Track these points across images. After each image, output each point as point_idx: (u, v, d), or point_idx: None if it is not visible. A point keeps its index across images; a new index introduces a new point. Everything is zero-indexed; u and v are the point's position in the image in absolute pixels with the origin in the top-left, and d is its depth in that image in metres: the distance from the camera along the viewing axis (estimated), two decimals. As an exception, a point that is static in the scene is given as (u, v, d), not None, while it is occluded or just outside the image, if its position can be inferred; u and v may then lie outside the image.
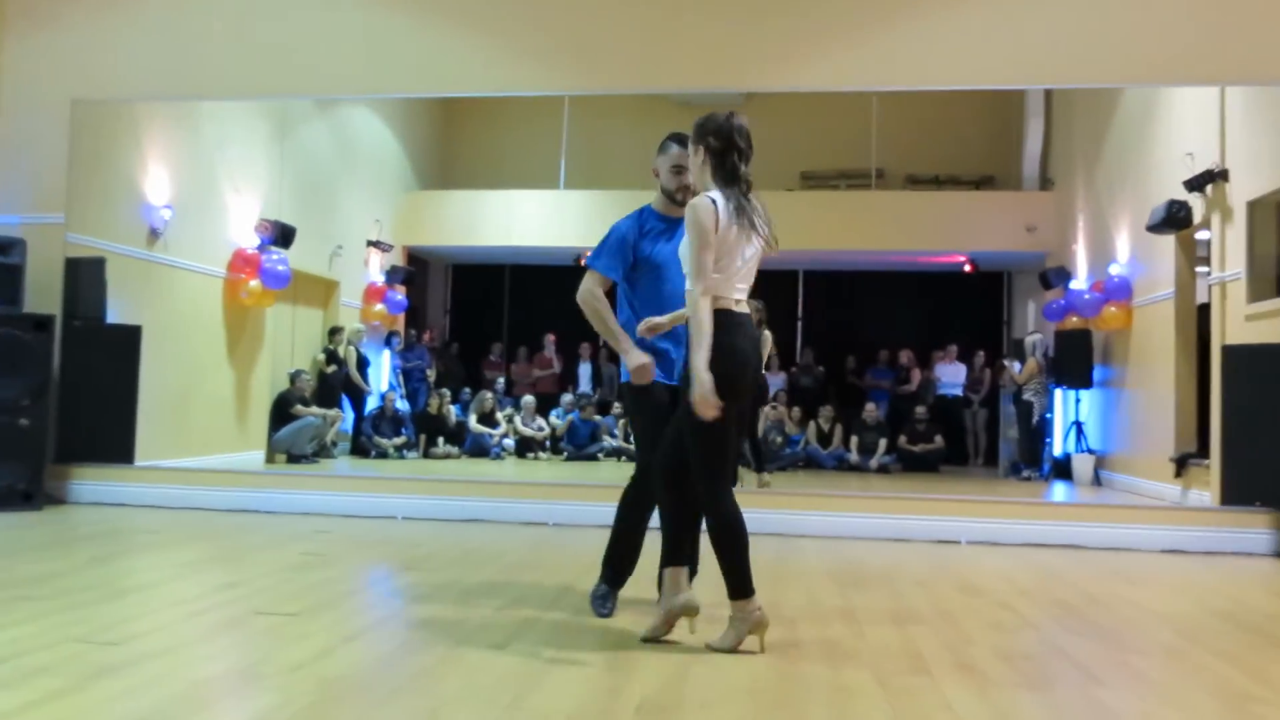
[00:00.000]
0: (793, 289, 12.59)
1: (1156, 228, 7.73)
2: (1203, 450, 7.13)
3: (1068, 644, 3.40)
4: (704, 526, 3.30)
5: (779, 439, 10.52)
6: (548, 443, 10.95)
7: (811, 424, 10.91)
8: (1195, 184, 7.16)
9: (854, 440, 10.73)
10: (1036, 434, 9.90)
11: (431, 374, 11.34)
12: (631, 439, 4.00)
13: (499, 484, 7.14)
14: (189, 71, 6.83)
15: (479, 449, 10.64)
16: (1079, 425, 9.49)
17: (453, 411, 10.93)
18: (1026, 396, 9.87)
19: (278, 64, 6.78)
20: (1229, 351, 6.27)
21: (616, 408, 11.37)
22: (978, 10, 6.17)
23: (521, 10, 6.63)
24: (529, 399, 11.10)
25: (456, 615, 3.57)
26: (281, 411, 9.10)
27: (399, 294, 11.02)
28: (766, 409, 10.19)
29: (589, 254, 3.66)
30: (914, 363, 11.79)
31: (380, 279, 10.85)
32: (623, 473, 9.54)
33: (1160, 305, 8.15)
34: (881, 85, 7.50)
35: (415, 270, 11.65)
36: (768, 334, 6.75)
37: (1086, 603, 4.14)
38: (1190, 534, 5.70)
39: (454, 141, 12.37)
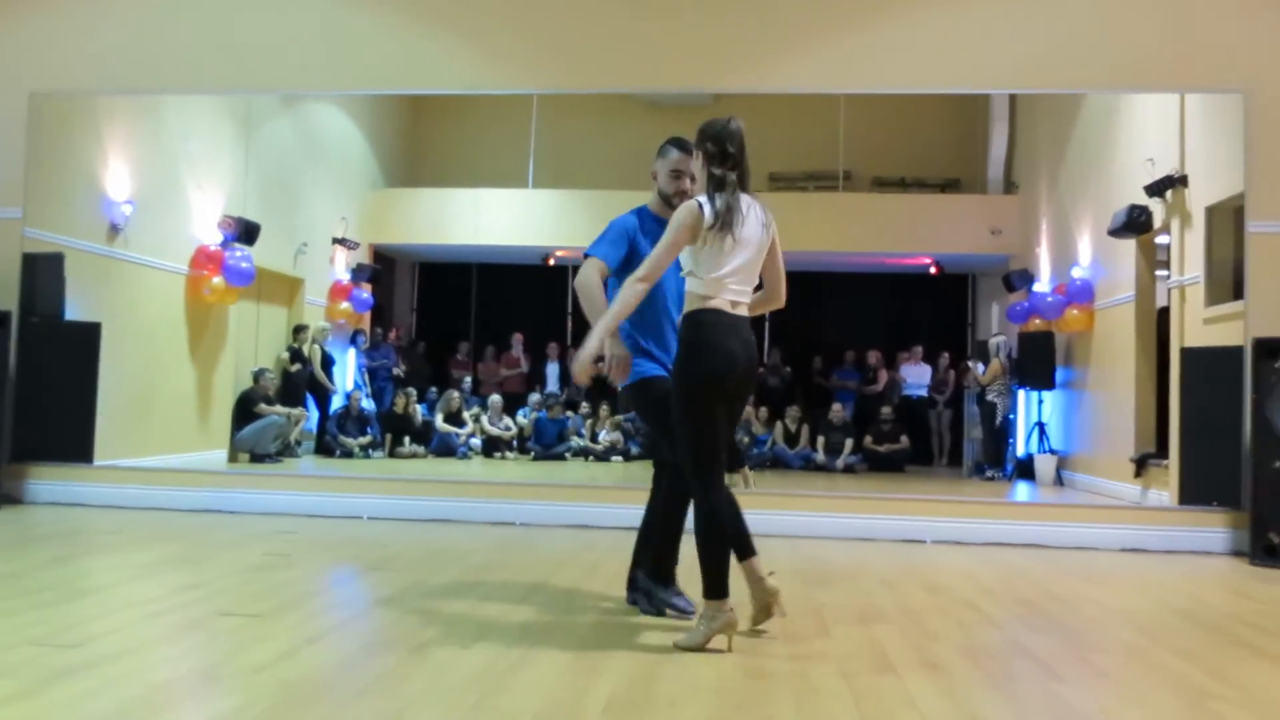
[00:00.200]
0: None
1: (1117, 232, 7.84)
2: (1162, 451, 7.24)
3: (1030, 642, 3.44)
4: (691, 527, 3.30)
5: (745, 439, 10.55)
6: (515, 442, 10.91)
7: (778, 424, 10.96)
8: (1155, 189, 7.28)
9: (820, 440, 10.79)
10: (1000, 434, 10.01)
11: (398, 372, 11.27)
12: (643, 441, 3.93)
13: (465, 484, 7.10)
14: (150, 65, 6.73)
15: (445, 448, 10.58)
16: (1041, 426, 9.61)
17: (419, 411, 10.86)
18: (990, 397, 9.98)
19: (242, 58, 6.70)
20: (1188, 354, 6.37)
21: (584, 407, 11.36)
22: (943, 15, 6.23)
23: (490, 8, 6.60)
24: (496, 398, 11.05)
25: (422, 616, 3.55)
26: (245, 410, 8.99)
27: (365, 292, 10.94)
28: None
29: (590, 244, 3.64)
30: (882, 363, 11.88)
31: (346, 277, 10.76)
32: (590, 472, 9.60)
33: (1121, 308, 8.27)
34: (848, 88, 7.56)
35: (381, 268, 11.57)
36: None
37: (1048, 601, 4.19)
38: (1150, 533, 5.79)
39: (422, 139, 12.30)
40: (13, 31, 6.78)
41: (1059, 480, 9.18)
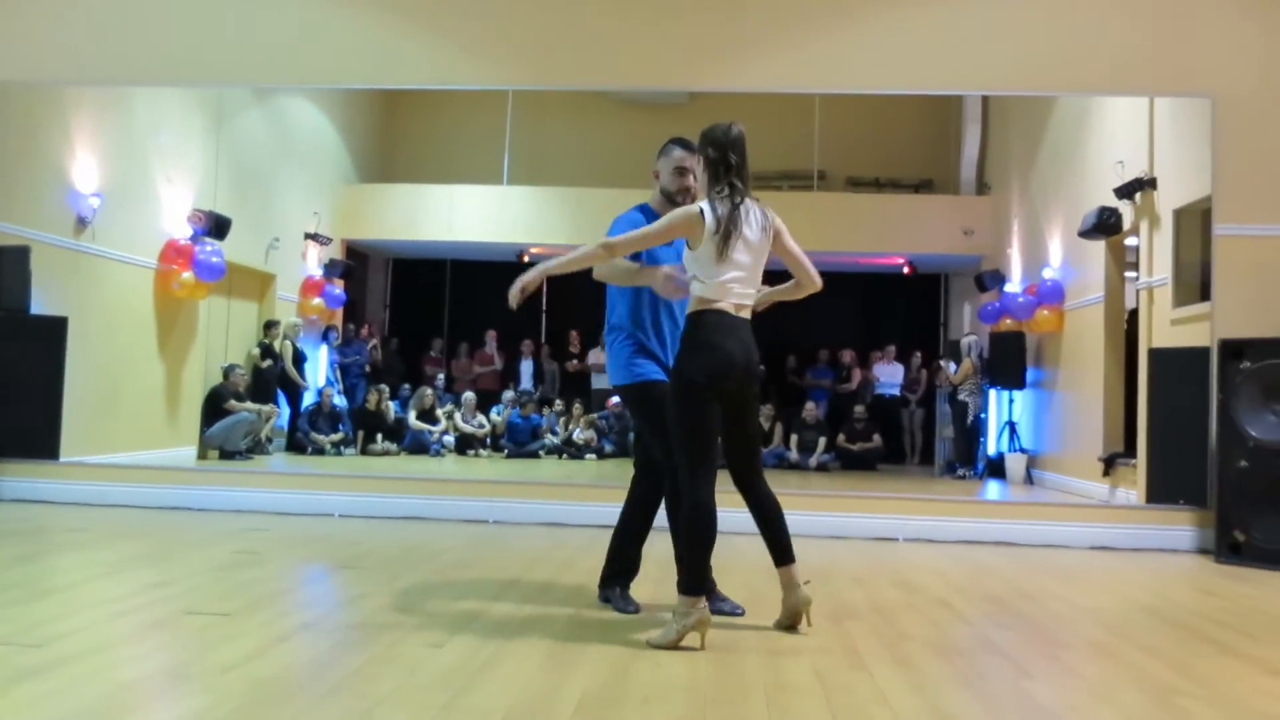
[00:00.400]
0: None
1: (1088, 233, 7.93)
2: (1130, 450, 7.33)
3: (1000, 639, 3.47)
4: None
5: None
6: (488, 440, 10.87)
7: (752, 422, 10.97)
8: (1125, 191, 7.36)
9: (794, 439, 10.83)
10: (971, 433, 10.10)
11: (372, 359, 11.20)
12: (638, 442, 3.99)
13: (438, 481, 7.07)
14: (120, 56, 6.63)
15: (418, 446, 10.53)
16: (1012, 425, 9.70)
17: (391, 408, 10.80)
18: (962, 397, 10.06)
19: (213, 51, 6.61)
20: (1155, 354, 6.45)
21: (558, 404, 11.34)
22: (917, 16, 6.26)
23: (464, 4, 6.56)
24: (469, 395, 11.00)
25: (393, 614, 3.53)
26: (214, 406, 8.90)
27: (337, 288, 10.85)
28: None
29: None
30: (856, 362, 11.95)
31: (318, 272, 10.67)
32: (563, 470, 9.57)
33: (1091, 309, 8.36)
34: (823, 87, 7.58)
35: (354, 264, 11.49)
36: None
37: (1018, 598, 4.23)
38: (1118, 531, 5.86)
39: (395, 134, 12.22)
40: (-22, 20, 6.66)
41: (1029, 479, 9.27)
